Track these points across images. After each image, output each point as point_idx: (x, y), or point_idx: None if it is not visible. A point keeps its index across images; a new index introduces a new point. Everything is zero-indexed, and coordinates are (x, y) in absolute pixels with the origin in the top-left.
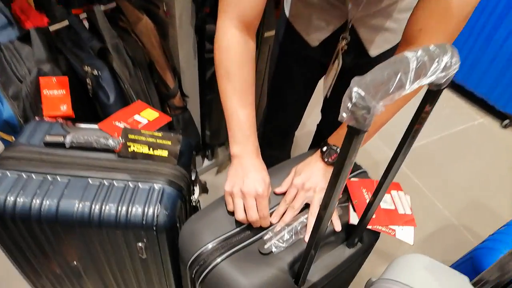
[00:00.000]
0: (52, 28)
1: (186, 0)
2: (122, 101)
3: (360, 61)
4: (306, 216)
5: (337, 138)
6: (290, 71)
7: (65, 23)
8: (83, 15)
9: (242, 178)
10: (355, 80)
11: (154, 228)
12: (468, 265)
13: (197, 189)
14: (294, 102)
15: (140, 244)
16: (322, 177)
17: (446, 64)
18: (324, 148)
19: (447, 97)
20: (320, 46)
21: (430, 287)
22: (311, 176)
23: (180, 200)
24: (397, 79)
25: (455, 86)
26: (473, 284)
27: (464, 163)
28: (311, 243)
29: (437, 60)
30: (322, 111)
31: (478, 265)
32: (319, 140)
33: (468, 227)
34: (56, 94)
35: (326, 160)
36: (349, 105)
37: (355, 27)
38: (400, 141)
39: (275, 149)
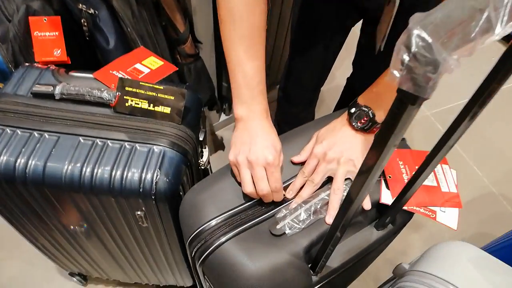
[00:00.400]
0: None
1: None
2: (124, 46)
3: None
4: (327, 192)
5: (370, 98)
6: (318, 15)
7: None
8: None
9: (249, 144)
10: (416, 18)
11: (153, 197)
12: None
13: (206, 152)
14: (321, 53)
15: (138, 212)
16: (348, 145)
17: None
18: (353, 110)
19: (496, 48)
20: None
21: (474, 284)
22: (335, 144)
23: (184, 165)
24: (483, 18)
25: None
26: None
27: (508, 126)
28: (336, 225)
29: None
30: (354, 63)
31: None
32: (348, 97)
33: (508, 197)
34: (48, 36)
35: (354, 124)
36: (406, 57)
37: None
38: (468, 103)
39: (297, 106)
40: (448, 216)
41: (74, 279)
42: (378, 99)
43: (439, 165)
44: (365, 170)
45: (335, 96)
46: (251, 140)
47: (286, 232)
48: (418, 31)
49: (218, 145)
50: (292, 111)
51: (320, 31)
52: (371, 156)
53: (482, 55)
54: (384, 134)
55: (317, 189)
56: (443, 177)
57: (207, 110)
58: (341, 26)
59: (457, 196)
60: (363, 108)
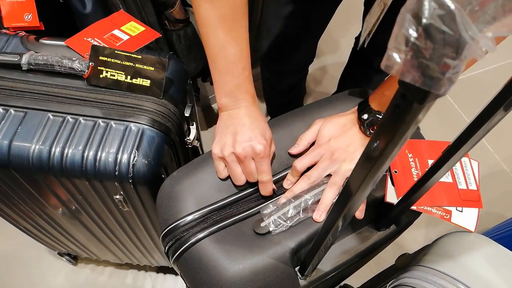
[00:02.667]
0: None
1: None
2: (103, 11)
3: None
4: (322, 188)
5: (382, 102)
6: None
7: None
8: None
9: (234, 135)
10: None
11: (130, 180)
12: None
13: (193, 129)
14: (303, 32)
15: (117, 196)
16: (360, 147)
17: None
18: (365, 116)
19: None
20: None
21: (487, 283)
22: (344, 144)
23: (166, 145)
24: None
25: None
26: None
27: None
28: (329, 226)
29: None
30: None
31: None
32: (357, 62)
33: None
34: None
35: (365, 131)
36: (413, 32)
37: None
38: (504, 89)
39: (283, 96)
40: (466, 216)
41: (64, 258)
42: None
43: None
44: (360, 166)
45: (339, 66)
46: (237, 130)
47: (271, 229)
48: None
49: (213, 120)
50: (280, 84)
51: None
52: (364, 161)
53: None
54: (380, 136)
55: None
56: (461, 171)
57: (201, 82)
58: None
59: (477, 194)
60: (377, 115)
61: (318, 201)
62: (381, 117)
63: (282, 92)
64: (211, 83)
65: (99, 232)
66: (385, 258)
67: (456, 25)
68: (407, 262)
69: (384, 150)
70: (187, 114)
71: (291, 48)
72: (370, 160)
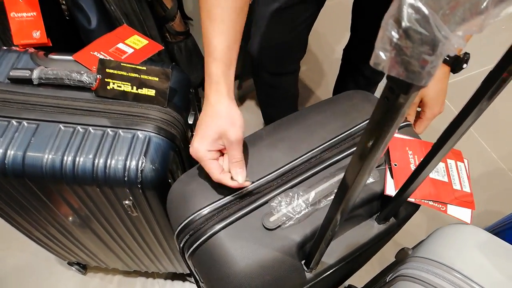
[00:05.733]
0: None
1: None
2: (107, 26)
3: None
4: (329, 182)
5: None
6: None
7: None
8: None
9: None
10: None
11: (139, 186)
12: None
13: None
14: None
15: (126, 202)
16: None
17: None
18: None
19: (507, 17)
20: None
21: (482, 272)
22: None
23: (172, 151)
24: None
25: None
26: None
27: None
28: (327, 221)
29: None
30: (353, 21)
31: None
32: (347, 70)
33: None
34: (26, 17)
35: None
36: (395, 34)
37: None
38: (478, 90)
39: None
40: (461, 210)
41: (73, 268)
42: None
43: (453, 161)
44: (357, 156)
45: (335, 71)
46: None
47: (280, 225)
48: (412, 0)
49: None
50: (272, 82)
51: None
52: (359, 156)
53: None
54: (371, 130)
55: (320, 175)
56: (456, 174)
57: (201, 91)
58: None
59: (470, 195)
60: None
61: (325, 195)
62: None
63: (279, 95)
64: None
65: (108, 239)
66: (388, 258)
67: (431, 27)
68: (406, 255)
69: (376, 143)
70: (190, 122)
71: (282, 42)
72: (363, 157)
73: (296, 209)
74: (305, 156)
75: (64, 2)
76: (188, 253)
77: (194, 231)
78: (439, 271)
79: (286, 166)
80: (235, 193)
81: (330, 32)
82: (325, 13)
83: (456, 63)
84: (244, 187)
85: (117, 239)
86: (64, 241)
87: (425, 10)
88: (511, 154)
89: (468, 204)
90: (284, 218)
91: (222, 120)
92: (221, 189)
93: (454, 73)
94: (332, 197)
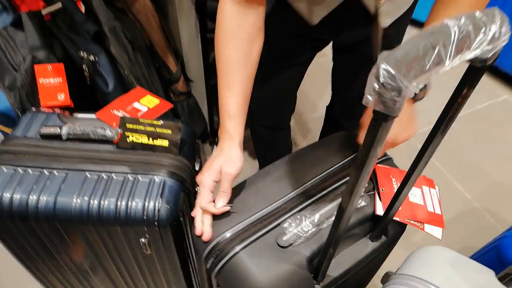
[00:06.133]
0: (45, 11)
1: None
2: (122, 88)
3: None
4: (330, 206)
5: None
6: (278, 50)
7: (58, 5)
8: None
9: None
10: (383, 55)
11: (156, 223)
12: (492, 255)
13: None
14: (279, 83)
15: (142, 239)
16: None
17: (494, 35)
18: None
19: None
20: (320, 23)
21: (452, 283)
22: None
23: (182, 193)
24: (434, 54)
25: None
26: (500, 279)
27: (486, 142)
28: (330, 238)
29: (483, 29)
30: (333, 84)
31: (504, 255)
32: (331, 126)
33: (492, 211)
34: (52, 83)
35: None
36: (376, 85)
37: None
38: (432, 130)
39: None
40: (435, 228)
41: None
42: None
43: (427, 188)
44: (353, 177)
45: (319, 126)
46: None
47: (292, 243)
48: (385, 66)
49: None
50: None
51: (284, 64)
52: (357, 166)
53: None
54: (366, 147)
55: (319, 203)
56: (430, 198)
57: (201, 143)
58: (301, 59)
59: (441, 217)
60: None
61: (328, 215)
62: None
63: (274, 148)
64: (210, 144)
65: (120, 281)
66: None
67: (396, 81)
68: (389, 277)
69: (368, 154)
70: (197, 168)
71: (274, 99)
72: (358, 167)
73: (304, 229)
74: (309, 185)
75: (87, 70)
76: (215, 272)
77: (219, 253)
78: (418, 285)
79: (293, 193)
80: (253, 217)
81: (314, 91)
82: (308, 74)
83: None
84: (223, 212)
85: (128, 282)
86: (76, 285)
87: (392, 71)
88: (484, 194)
89: (440, 223)
90: (295, 237)
91: (227, 159)
92: (239, 215)
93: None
94: (333, 218)
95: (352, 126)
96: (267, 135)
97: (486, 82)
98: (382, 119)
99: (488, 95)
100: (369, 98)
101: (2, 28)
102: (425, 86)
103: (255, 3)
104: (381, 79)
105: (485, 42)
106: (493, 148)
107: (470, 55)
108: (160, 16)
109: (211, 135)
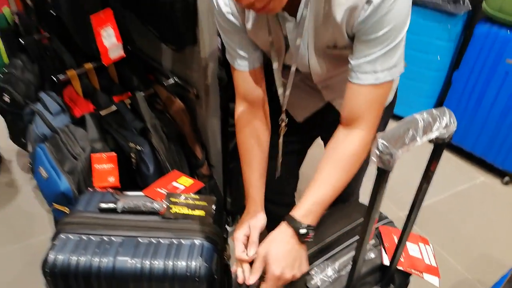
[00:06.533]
0: (103, 112)
1: (213, 84)
2: (159, 172)
3: None
4: (347, 256)
5: (305, 214)
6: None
7: (113, 108)
8: (127, 101)
9: None
10: (380, 134)
11: (197, 279)
12: None
13: (228, 246)
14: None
15: None
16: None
17: (446, 123)
18: (302, 231)
19: (448, 158)
20: (305, 122)
21: None
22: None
23: (216, 253)
24: (410, 134)
25: (454, 147)
26: None
27: (470, 219)
28: (349, 281)
29: (438, 120)
30: None
31: None
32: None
33: (483, 281)
34: (105, 168)
35: (304, 240)
36: (377, 152)
37: (335, 106)
38: (413, 200)
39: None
40: (432, 277)
41: None
42: (316, 215)
43: (423, 245)
44: (366, 218)
45: None
46: None
47: (319, 285)
48: (382, 140)
49: None
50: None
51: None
52: (368, 210)
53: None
54: (373, 193)
55: (340, 252)
56: (426, 253)
57: None
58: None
59: (436, 268)
60: (309, 228)
61: (346, 264)
62: (312, 228)
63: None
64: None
65: None
66: None
67: (389, 149)
68: None
69: (375, 198)
70: (225, 236)
71: (278, 179)
72: (368, 213)
73: (328, 274)
74: (328, 240)
75: (134, 157)
76: None
77: None
78: None
79: (317, 248)
80: None
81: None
82: (308, 157)
83: (301, 235)
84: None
85: None
86: None
87: (387, 144)
88: (474, 265)
89: (436, 273)
90: (321, 281)
91: (254, 217)
92: None
93: (300, 241)
94: (349, 267)
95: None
96: (273, 209)
97: (464, 166)
98: (383, 173)
99: (467, 178)
100: (373, 159)
101: (64, 126)
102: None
103: (258, 106)
104: (380, 148)
105: (441, 128)
106: (478, 224)
107: (432, 135)
108: (190, 115)
109: (225, 215)
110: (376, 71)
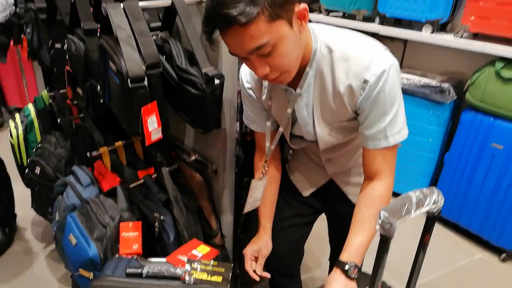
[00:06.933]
0: (133, 185)
1: (230, 161)
2: (178, 241)
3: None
4: None
5: (349, 255)
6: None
7: (141, 181)
8: (154, 175)
9: None
10: (383, 208)
11: None
12: None
13: None
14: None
15: None
16: None
17: (435, 200)
18: (347, 267)
19: (447, 235)
20: (310, 196)
21: None
22: None
23: None
24: (405, 208)
25: (451, 224)
26: None
27: None
28: None
29: (428, 197)
30: (330, 242)
31: None
32: None
33: None
34: (131, 236)
35: (351, 276)
36: (380, 221)
37: (336, 182)
38: (412, 268)
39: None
40: None
41: None
42: (358, 255)
43: None
44: (371, 280)
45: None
46: None
47: None
48: (384, 213)
49: None
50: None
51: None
52: (374, 272)
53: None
54: (378, 256)
55: None
56: None
57: None
58: (301, 221)
59: None
60: (351, 264)
61: None
62: (354, 264)
63: None
64: None
65: None
66: None
67: (390, 220)
68: None
69: (379, 263)
70: None
71: (286, 251)
72: (372, 278)
73: None
74: None
75: (157, 226)
76: None
77: None
78: None
79: None
80: None
81: (317, 247)
82: (313, 233)
83: (347, 271)
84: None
85: None
86: None
87: (388, 215)
88: None
89: None
90: None
91: (262, 242)
92: None
93: (349, 278)
94: None
95: None
96: (280, 279)
97: (462, 243)
98: (385, 240)
99: (466, 254)
100: (377, 227)
101: (95, 197)
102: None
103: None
104: (382, 218)
105: (431, 204)
106: None
107: (424, 209)
108: (208, 188)
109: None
110: (387, 137)
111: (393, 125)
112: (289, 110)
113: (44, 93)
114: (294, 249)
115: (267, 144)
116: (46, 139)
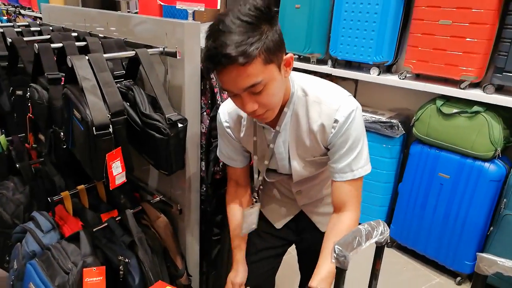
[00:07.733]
0: (95, 229)
1: (194, 197)
2: (143, 283)
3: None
4: None
5: (318, 282)
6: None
7: (105, 224)
8: (117, 218)
9: None
10: (336, 242)
11: None
12: None
13: None
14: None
15: None
16: None
17: (381, 231)
18: None
19: (405, 262)
20: (284, 227)
21: None
22: None
23: None
24: (357, 240)
25: (409, 250)
26: None
27: None
28: None
29: (376, 229)
30: (300, 270)
31: None
32: None
33: None
34: (95, 281)
35: None
36: (335, 255)
37: (305, 212)
38: None
39: None
40: None
41: None
42: (328, 282)
43: None
44: None
45: None
46: None
47: None
48: (338, 246)
49: None
50: None
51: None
52: None
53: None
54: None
55: None
56: None
57: None
58: (275, 253)
59: None
60: None
61: None
62: None
63: None
64: None
65: None
66: None
67: (343, 252)
68: None
69: None
70: None
71: (259, 281)
72: None
73: None
74: None
75: (122, 269)
76: None
77: None
78: None
79: None
80: None
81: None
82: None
83: None
84: None
85: None
86: None
87: (341, 248)
88: None
89: None
90: None
91: (238, 273)
92: None
93: None
94: None
95: None
96: None
97: (420, 269)
98: (340, 272)
99: (424, 280)
100: (332, 260)
101: (56, 242)
102: None
103: (243, 186)
104: (337, 251)
105: (378, 235)
106: None
107: (373, 240)
108: (173, 229)
109: None
110: (352, 170)
111: (358, 160)
112: (272, 146)
113: (2, 138)
114: (266, 280)
115: (255, 176)
116: (3, 184)
